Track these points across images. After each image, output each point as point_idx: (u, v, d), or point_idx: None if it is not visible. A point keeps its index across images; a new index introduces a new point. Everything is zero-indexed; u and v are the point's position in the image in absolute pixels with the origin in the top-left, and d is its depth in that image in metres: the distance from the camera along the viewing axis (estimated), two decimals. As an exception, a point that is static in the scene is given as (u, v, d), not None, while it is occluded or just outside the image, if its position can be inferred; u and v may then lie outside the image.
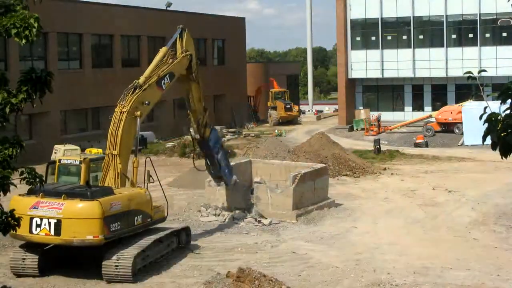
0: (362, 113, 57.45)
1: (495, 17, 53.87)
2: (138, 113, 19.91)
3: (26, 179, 9.13)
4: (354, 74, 58.25)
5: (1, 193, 8.95)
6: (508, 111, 7.06)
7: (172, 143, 44.77)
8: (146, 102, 20.32)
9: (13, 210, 9.34)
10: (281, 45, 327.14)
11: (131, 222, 18.44)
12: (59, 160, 20.17)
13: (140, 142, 42.38)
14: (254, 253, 20.15)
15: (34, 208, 17.44)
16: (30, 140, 39.44)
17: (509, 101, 7.06)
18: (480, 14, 54.19)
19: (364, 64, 57.84)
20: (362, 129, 54.75)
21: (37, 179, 9.16)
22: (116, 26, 47.63)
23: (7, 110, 8.87)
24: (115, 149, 19.27)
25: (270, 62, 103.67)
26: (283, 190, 24.67)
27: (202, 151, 24.15)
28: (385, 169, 35.46)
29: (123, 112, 19.69)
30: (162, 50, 21.82)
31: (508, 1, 7.64)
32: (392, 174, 34.21)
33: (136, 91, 20.15)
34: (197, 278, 17.67)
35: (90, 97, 44.64)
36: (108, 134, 19.63)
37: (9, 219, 9.12)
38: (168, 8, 56.79)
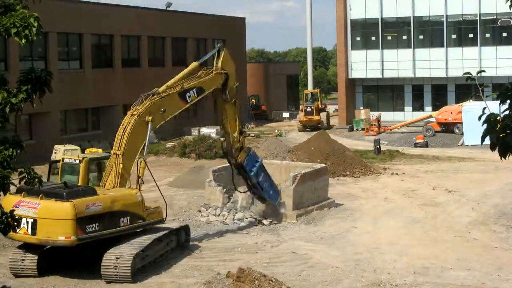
0: (362, 113, 57.44)
1: (495, 17, 53.86)
2: (150, 118, 19.61)
3: (25, 179, 9.15)
4: (354, 74, 58.23)
5: (1, 192, 8.97)
6: (507, 112, 7.06)
7: (172, 143, 44.78)
8: (162, 109, 20.00)
9: (13, 210, 9.35)
10: (281, 45, 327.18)
11: (115, 223, 18.22)
12: (63, 159, 20.24)
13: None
14: (254, 253, 20.15)
15: (16, 207, 17.41)
16: (30, 140, 39.43)
17: (508, 101, 7.06)
18: (480, 14, 54.19)
19: (364, 64, 57.82)
20: (362, 129, 54.75)
21: (36, 179, 9.17)
22: (116, 26, 47.63)
23: (7, 109, 8.88)
24: (119, 150, 19.24)
25: (270, 62, 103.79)
26: (283, 190, 24.66)
27: (239, 174, 23.19)
28: (385, 169, 35.46)
29: (134, 115, 19.55)
30: (192, 65, 21.58)
31: (506, 2, 7.64)
32: (392, 174, 34.21)
33: (154, 97, 19.95)
34: (197, 278, 17.67)
35: (90, 97, 44.66)
36: (116, 135, 19.58)
37: (9, 219, 9.14)
38: (168, 8, 56.80)
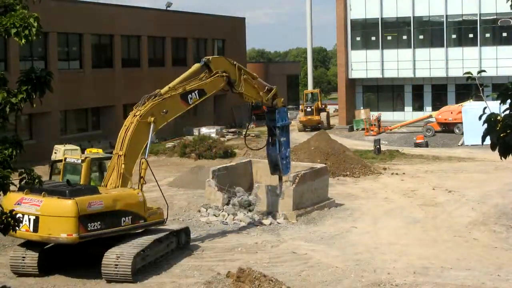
0: (362, 113, 57.44)
1: (495, 17, 53.85)
2: (152, 119, 19.70)
3: (25, 180, 9.15)
4: (354, 74, 58.23)
5: (1, 192, 8.97)
6: (507, 112, 7.06)
7: (172, 143, 44.78)
8: (164, 111, 20.10)
9: (13, 210, 9.35)
10: (281, 45, 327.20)
11: (116, 222, 18.26)
12: (65, 159, 20.33)
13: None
14: (254, 253, 20.15)
15: (18, 204, 17.49)
16: (30, 140, 39.44)
17: (508, 101, 7.06)
18: (480, 14, 54.18)
19: (364, 64, 57.83)
20: (362, 129, 54.75)
21: (36, 180, 9.17)
22: (116, 26, 47.61)
23: (7, 109, 8.88)
24: (121, 150, 19.28)
25: (270, 62, 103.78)
26: (283, 190, 24.64)
27: (267, 123, 23.74)
28: (385, 169, 35.45)
29: (136, 115, 19.61)
30: (195, 66, 21.73)
31: (507, 1, 7.64)
32: (392, 174, 34.20)
33: (156, 98, 20.02)
34: (197, 278, 17.67)
35: (90, 97, 44.64)
36: (118, 135, 19.63)
37: (9, 219, 9.14)
38: (168, 8, 56.80)
